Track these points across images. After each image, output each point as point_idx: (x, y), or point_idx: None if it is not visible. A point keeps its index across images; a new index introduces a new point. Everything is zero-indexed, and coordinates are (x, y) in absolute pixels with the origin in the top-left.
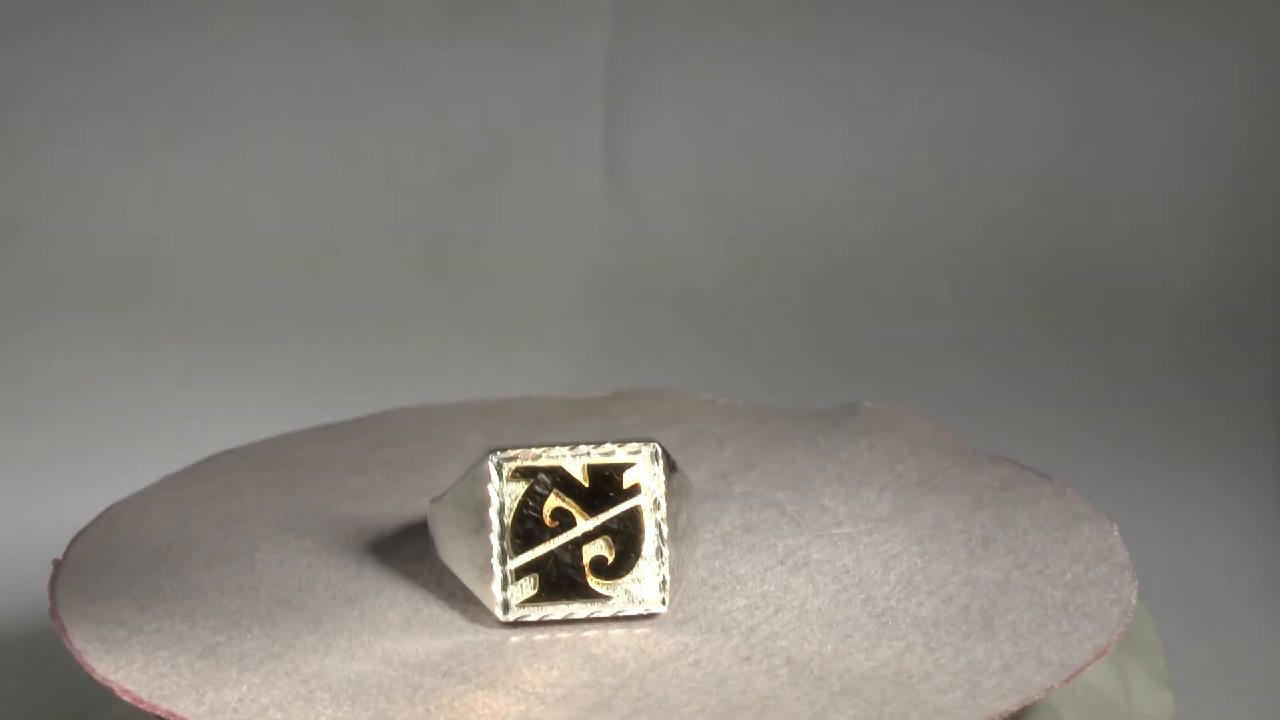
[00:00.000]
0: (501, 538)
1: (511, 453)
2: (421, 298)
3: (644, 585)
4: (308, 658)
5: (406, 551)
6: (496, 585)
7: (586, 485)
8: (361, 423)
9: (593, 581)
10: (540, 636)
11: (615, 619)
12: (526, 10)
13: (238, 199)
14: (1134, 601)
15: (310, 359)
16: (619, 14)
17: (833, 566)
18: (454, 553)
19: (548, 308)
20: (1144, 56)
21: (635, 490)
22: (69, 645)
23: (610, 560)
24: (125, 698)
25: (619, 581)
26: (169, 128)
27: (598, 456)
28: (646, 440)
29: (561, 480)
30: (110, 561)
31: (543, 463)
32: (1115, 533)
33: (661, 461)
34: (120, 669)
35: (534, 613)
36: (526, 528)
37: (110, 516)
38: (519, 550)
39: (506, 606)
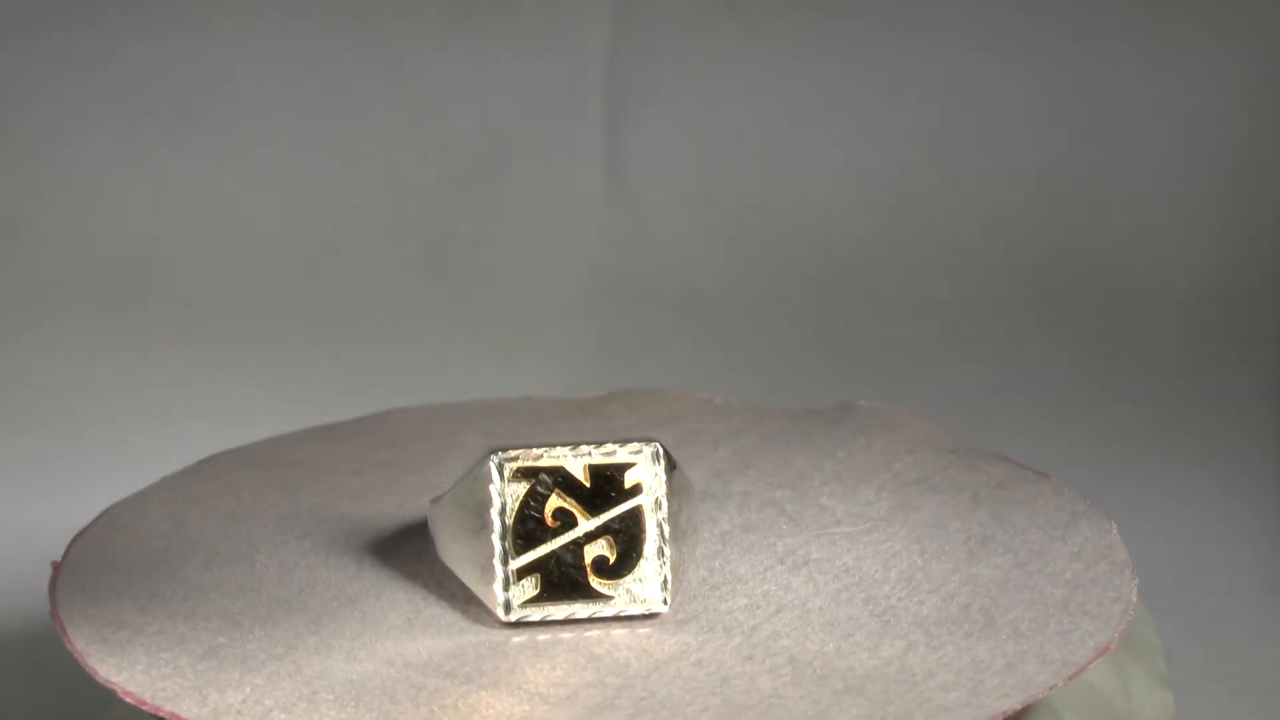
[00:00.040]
0: (503, 538)
1: (513, 453)
2: (421, 298)
3: (645, 585)
4: (310, 659)
5: (406, 552)
6: (498, 585)
7: (588, 485)
8: (359, 423)
9: (594, 581)
10: (542, 637)
11: (617, 619)
12: (526, 10)
13: (238, 199)
14: (1134, 599)
15: (310, 359)
16: (619, 14)
17: (833, 565)
18: (454, 553)
19: (548, 308)
20: (1144, 56)
21: (637, 490)
22: (70, 647)
23: (612, 560)
24: (128, 700)
25: (620, 581)
26: (169, 128)
27: (599, 456)
28: (648, 440)
29: (563, 480)
30: (110, 563)
31: (544, 463)
32: (1114, 530)
33: (663, 461)
34: (123, 671)
35: (535, 613)
36: (528, 528)
37: (109, 517)
38: (521, 550)
39: (508, 607)
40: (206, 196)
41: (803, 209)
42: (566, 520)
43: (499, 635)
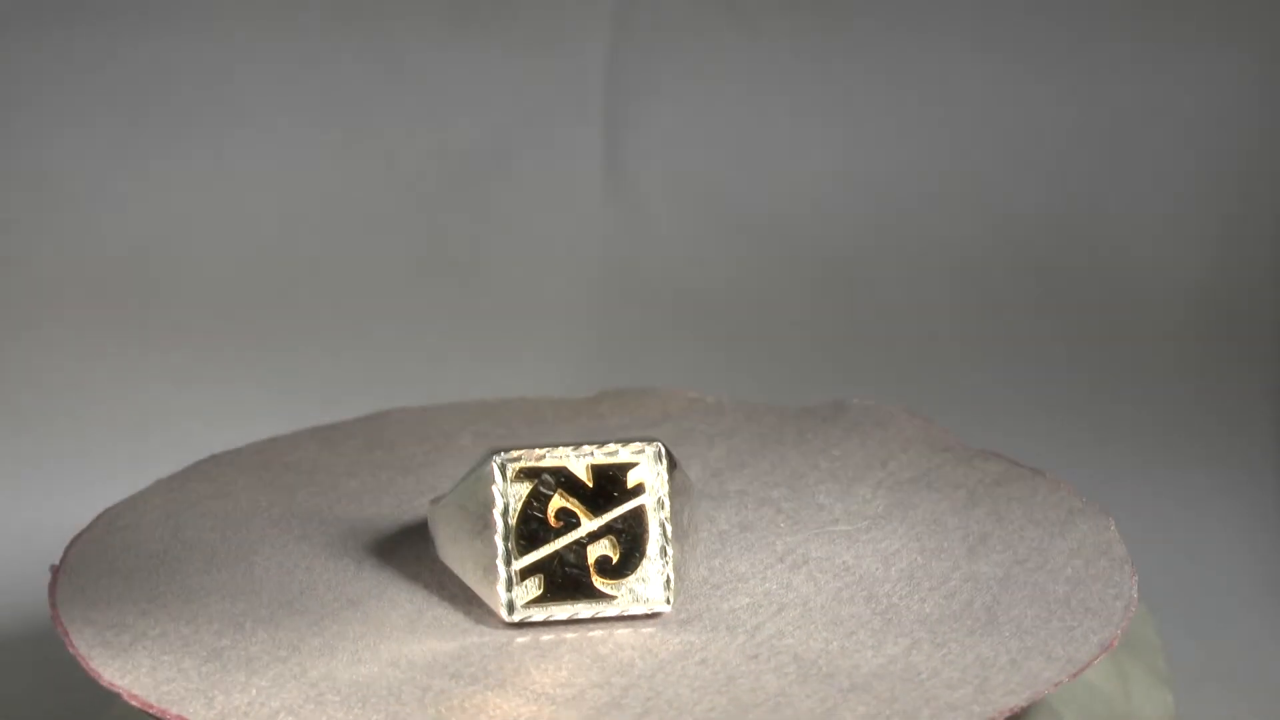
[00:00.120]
0: (506, 538)
1: (515, 453)
2: (421, 298)
3: (648, 585)
4: (314, 660)
5: (405, 553)
6: (501, 586)
7: (590, 485)
8: (354, 425)
9: (598, 581)
10: (546, 637)
11: (620, 619)
12: (527, 10)
13: (238, 199)
14: (1135, 595)
15: (310, 359)
16: (619, 14)
17: (833, 564)
18: (456, 554)
19: (548, 308)
20: (1144, 57)
21: (639, 490)
22: (73, 651)
23: (615, 560)
24: (134, 703)
25: (624, 581)
26: (169, 128)
27: (601, 456)
28: (649, 440)
29: (566, 480)
30: (108, 566)
31: (547, 463)
32: (1112, 527)
33: (665, 461)
34: (126, 674)
35: (539, 613)
36: (531, 528)
37: (106, 520)
38: (524, 551)
39: (511, 607)
40: (206, 196)
41: (802, 209)
42: (569, 520)
43: (502, 636)
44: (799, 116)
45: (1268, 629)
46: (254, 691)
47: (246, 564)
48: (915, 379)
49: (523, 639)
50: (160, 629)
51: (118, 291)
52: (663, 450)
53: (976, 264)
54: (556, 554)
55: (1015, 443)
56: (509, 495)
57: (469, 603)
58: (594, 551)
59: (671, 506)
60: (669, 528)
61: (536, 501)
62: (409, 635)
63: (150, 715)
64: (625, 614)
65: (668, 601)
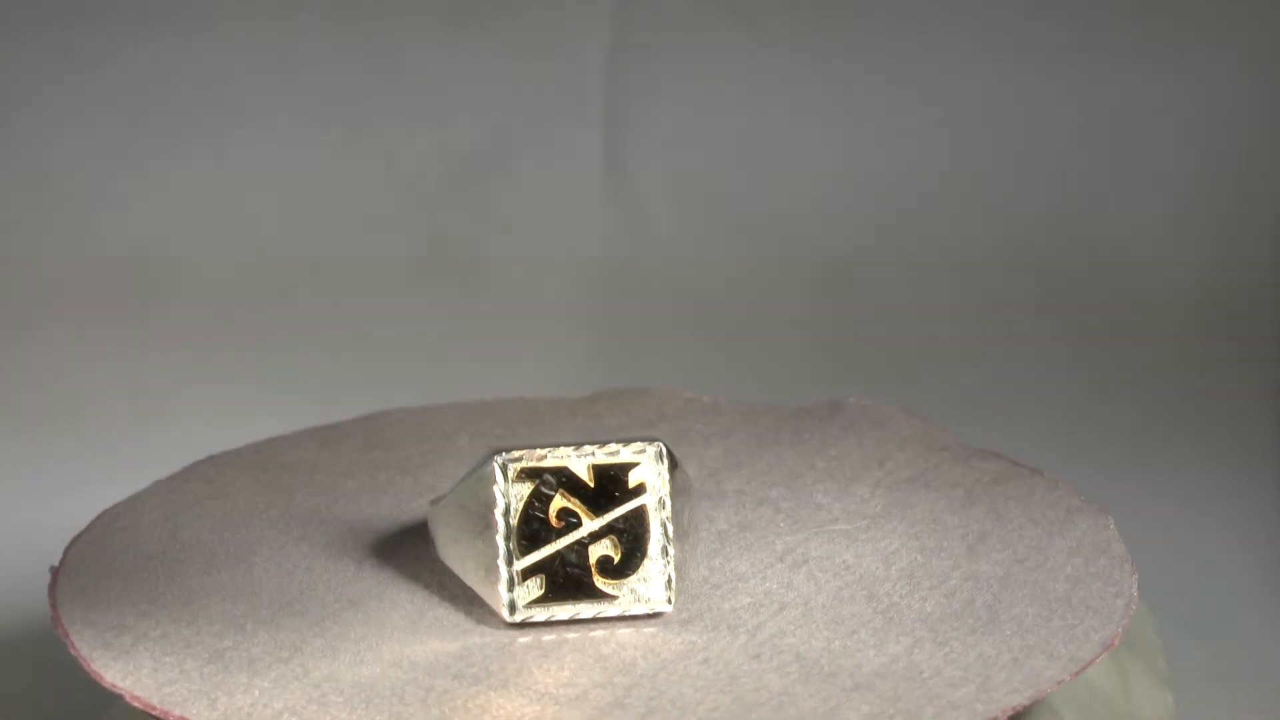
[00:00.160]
0: (507, 539)
1: (517, 454)
2: (421, 298)
3: (650, 584)
4: (317, 661)
5: (405, 554)
6: (503, 586)
7: (592, 485)
8: (351, 425)
9: (599, 581)
10: (548, 637)
11: (622, 619)
12: (527, 10)
13: (238, 199)
14: (1135, 594)
15: (310, 359)
16: (619, 14)
17: (832, 563)
18: (456, 554)
19: (548, 308)
20: (1144, 57)
21: (640, 489)
22: (75, 652)
23: (616, 560)
24: (136, 704)
25: (625, 581)
26: (169, 128)
27: (603, 456)
28: (650, 439)
29: (567, 480)
30: (108, 567)
31: (548, 463)
32: (1111, 525)
33: (666, 460)
34: (128, 675)
35: (540, 613)
36: (533, 528)
37: (104, 521)
38: (525, 551)
39: (513, 608)
40: (206, 196)
41: (802, 209)
42: (571, 520)
43: (504, 636)
44: (799, 116)
45: (1268, 629)
46: (257, 693)
47: (246, 565)
48: (915, 379)
49: (525, 639)
50: (161, 630)
51: (118, 291)
52: (664, 450)
53: (976, 264)
54: (558, 554)
55: (1015, 442)
56: (510, 495)
57: (470, 603)
58: (595, 551)
59: (672, 506)
60: (670, 527)
61: (538, 502)
62: (410, 636)
63: (152, 717)
64: (627, 614)
65: (669, 601)
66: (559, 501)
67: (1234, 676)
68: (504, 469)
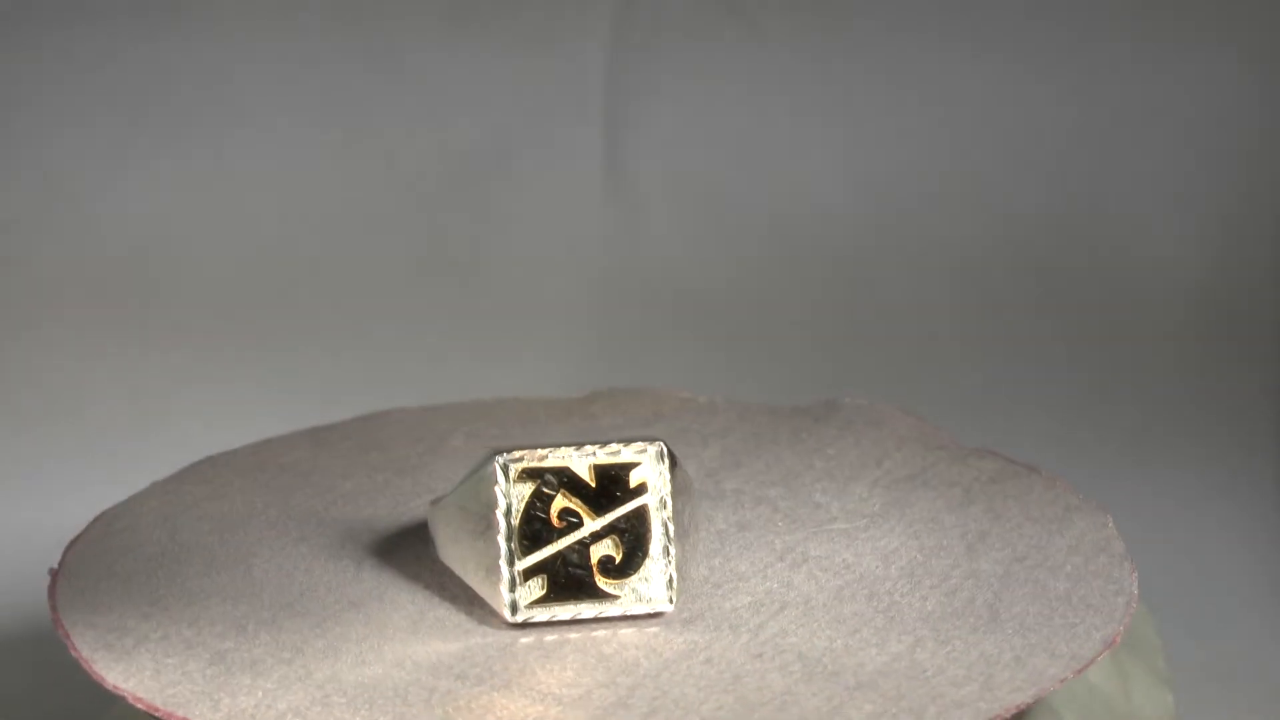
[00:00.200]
0: (509, 539)
1: (518, 454)
2: (421, 298)
3: (651, 584)
4: (319, 662)
5: (404, 555)
6: (504, 586)
7: (593, 485)
8: (347, 426)
9: (601, 581)
10: (550, 637)
11: (623, 618)
12: (527, 10)
13: (237, 199)
14: (1136, 591)
15: (309, 360)
16: (619, 14)
17: (832, 562)
18: (457, 555)
19: (548, 308)
20: (1144, 57)
21: (642, 489)
22: (76, 655)
23: (618, 560)
24: (139, 706)
25: (627, 581)
26: (169, 128)
27: (604, 456)
28: (652, 439)
29: (568, 480)
30: (107, 569)
31: (549, 463)
32: (1110, 523)
33: (667, 460)
34: (131, 677)
35: (542, 614)
36: (534, 529)
37: (102, 523)
38: (527, 551)
39: (515, 608)
40: (206, 196)
41: (802, 209)
42: (572, 520)
43: (506, 636)
44: (799, 116)
45: (1268, 629)
46: (260, 694)
47: (245, 566)
48: (915, 379)
49: (526, 639)
50: (163, 632)
51: (118, 291)
52: (665, 450)
53: (976, 264)
54: (560, 554)
55: (1015, 442)
56: (512, 496)
57: (471, 603)
58: (597, 551)
59: (673, 506)
60: (671, 527)
61: (539, 502)
62: (412, 636)
63: (154, 718)
64: (628, 614)
65: (671, 601)
66: (560, 501)
67: (1234, 676)
68: (505, 469)
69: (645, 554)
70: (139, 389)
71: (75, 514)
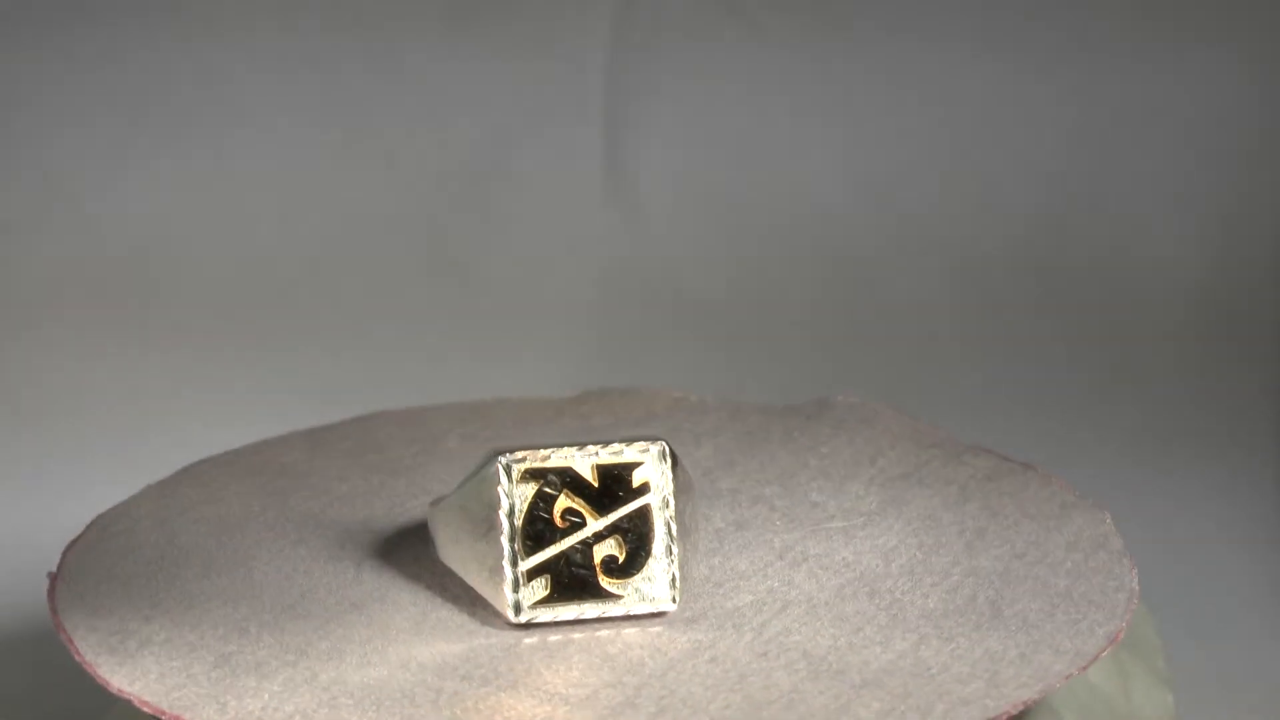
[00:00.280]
0: (512, 540)
1: (520, 454)
2: (421, 298)
3: (654, 584)
4: (324, 665)
5: (404, 556)
6: (508, 587)
7: (596, 485)
8: (342, 427)
9: (604, 581)
10: (554, 638)
11: (627, 618)
12: (526, 10)
13: (237, 199)
14: (1136, 587)
15: (309, 360)
16: (619, 14)
17: (832, 561)
18: (458, 555)
19: (548, 308)
20: (1144, 57)
21: (645, 489)
22: (79, 658)
23: (621, 559)
24: (145, 709)
25: (630, 580)
26: (169, 128)
27: (606, 456)
28: (654, 438)
29: (571, 480)
30: (106, 572)
31: (552, 464)
32: (1108, 520)
33: (669, 459)
34: (135, 680)
35: (545, 614)
36: (537, 529)
37: (99, 526)
38: (530, 552)
39: (518, 608)
40: (206, 196)
41: (803, 209)
42: (575, 520)
43: (510, 637)
44: (799, 116)
45: (1268, 629)
46: (266, 696)
47: (245, 569)
48: (915, 379)
49: (530, 640)
50: (165, 635)
51: (118, 291)
52: (667, 449)
53: (976, 264)
54: (563, 554)
55: (1014, 442)
56: (514, 496)
57: (473, 604)
58: (600, 551)
59: (675, 505)
60: (674, 526)
61: (542, 502)
62: (415, 638)
63: (146, 715)
64: (632, 613)
65: (674, 600)
66: (563, 502)
67: (1234, 676)
68: (508, 470)
69: (648, 553)
70: (139, 389)
71: (75, 514)
